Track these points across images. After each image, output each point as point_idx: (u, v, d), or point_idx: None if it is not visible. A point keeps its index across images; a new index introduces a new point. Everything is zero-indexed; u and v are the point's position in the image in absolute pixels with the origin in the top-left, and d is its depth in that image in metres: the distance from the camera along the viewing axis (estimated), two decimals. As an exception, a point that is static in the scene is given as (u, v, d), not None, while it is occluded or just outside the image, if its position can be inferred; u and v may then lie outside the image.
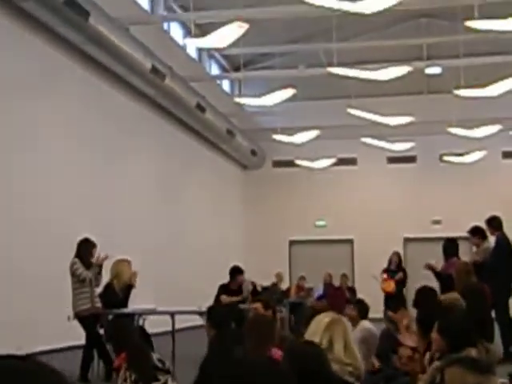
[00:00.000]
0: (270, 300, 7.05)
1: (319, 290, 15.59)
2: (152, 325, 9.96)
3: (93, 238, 9.21)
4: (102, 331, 9.05)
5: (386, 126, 17.89)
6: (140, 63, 14.04)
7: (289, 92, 15.03)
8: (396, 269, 14.46)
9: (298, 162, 20.88)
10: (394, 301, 11.98)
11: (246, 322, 4.89)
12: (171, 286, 16.05)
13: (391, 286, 13.93)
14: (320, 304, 6.99)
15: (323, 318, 4.25)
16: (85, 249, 9.00)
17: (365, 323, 7.71)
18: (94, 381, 8.71)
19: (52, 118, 12.60)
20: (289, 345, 3.13)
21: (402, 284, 14.22)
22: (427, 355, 5.27)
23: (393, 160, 22.23)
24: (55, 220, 12.32)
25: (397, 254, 15.10)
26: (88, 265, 8.93)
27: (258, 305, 6.35)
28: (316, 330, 4.18)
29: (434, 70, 19.34)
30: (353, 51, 18.45)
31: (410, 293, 12.29)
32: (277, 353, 4.20)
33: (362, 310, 7.89)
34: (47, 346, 11.71)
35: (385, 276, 14.20)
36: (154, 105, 16.38)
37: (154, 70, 14.50)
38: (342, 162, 21.77)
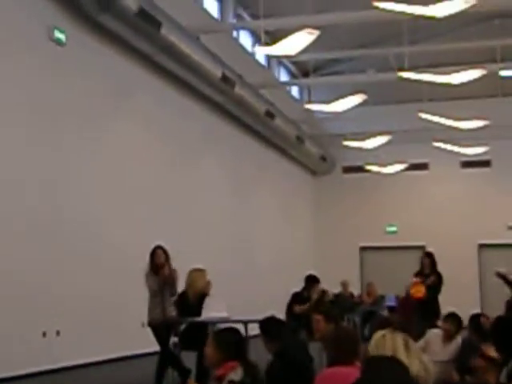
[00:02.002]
0: (333, 312, 6.87)
1: (391, 300, 15.21)
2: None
3: (165, 245, 9.26)
4: (175, 339, 9.12)
5: (459, 129, 17.54)
6: (210, 71, 14.14)
7: (359, 98, 14.88)
8: (429, 273, 12.79)
9: (369, 167, 20.68)
10: (426, 309, 11.52)
11: (327, 336, 4.79)
12: (243, 292, 16.08)
13: (421, 291, 12.30)
14: (392, 319, 6.66)
15: (376, 337, 4.14)
16: (155, 257, 9.05)
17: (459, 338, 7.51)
18: (168, 389, 8.74)
19: (126, 126, 12.80)
20: (372, 363, 3.06)
21: (434, 289, 12.34)
22: (504, 371, 5.09)
23: (466, 164, 21.81)
24: (129, 227, 12.49)
25: (428, 254, 13.25)
26: (157, 273, 8.97)
27: (320, 317, 6.24)
28: (395, 349, 4.07)
29: (509, 72, 18.88)
30: (424, 54, 18.15)
31: (447, 299, 12.00)
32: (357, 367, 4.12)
33: (457, 323, 7.66)
34: (122, 352, 11.90)
35: (415, 279, 12.66)
36: (224, 112, 16.48)
37: (224, 77, 14.59)
38: (413, 167, 21.47)
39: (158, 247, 9.10)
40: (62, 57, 11.01)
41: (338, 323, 6.41)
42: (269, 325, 5.90)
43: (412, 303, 14.75)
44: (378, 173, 20.83)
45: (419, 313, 11.52)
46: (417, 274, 12.68)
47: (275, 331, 5.72)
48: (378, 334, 4.10)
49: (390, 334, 4.08)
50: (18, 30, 10.15)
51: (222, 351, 4.60)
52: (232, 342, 4.64)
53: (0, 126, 9.75)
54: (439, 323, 9.44)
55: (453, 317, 7.77)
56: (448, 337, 7.54)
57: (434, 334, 7.75)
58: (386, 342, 4.03)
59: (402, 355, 3.88)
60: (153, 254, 9.04)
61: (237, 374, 4.46)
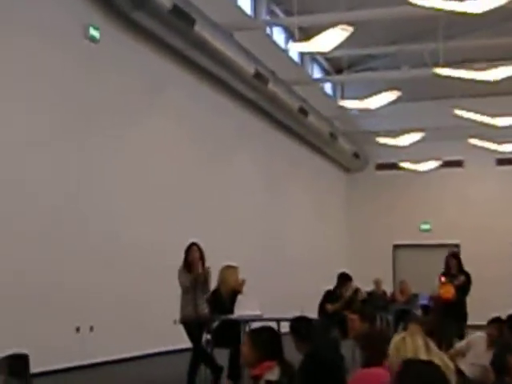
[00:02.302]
0: (368, 311, 6.80)
1: (424, 299, 15.03)
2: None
3: (198, 242, 9.24)
4: (208, 336, 9.12)
5: (495, 126, 17.30)
6: (243, 68, 14.12)
7: (393, 94, 14.75)
8: (457, 273, 12.02)
9: (402, 164, 20.51)
10: (455, 310, 11.04)
11: (360, 336, 4.75)
12: (275, 290, 16.05)
13: (451, 291, 11.62)
14: (427, 321, 6.34)
15: (396, 339, 4.10)
16: (189, 254, 9.04)
17: None
18: (201, 386, 8.75)
19: (159, 122, 12.84)
20: (409, 366, 3.01)
21: (463, 290, 11.73)
22: None
23: (502, 162, 21.52)
24: (162, 224, 12.54)
25: (455, 255, 12.51)
26: (191, 270, 8.96)
27: (355, 316, 6.18)
28: (416, 350, 4.04)
29: (546, 68, 18.53)
30: (460, 50, 17.91)
31: (482, 297, 11.77)
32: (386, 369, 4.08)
33: (501, 327, 7.51)
34: (155, 349, 11.96)
35: (443, 279, 11.93)
36: (257, 109, 16.46)
37: (257, 74, 14.56)
38: (447, 164, 21.26)
39: (193, 244, 9.09)
40: (96, 54, 11.07)
41: (372, 322, 6.36)
42: (299, 325, 5.84)
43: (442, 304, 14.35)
44: (411, 170, 20.66)
45: (448, 314, 10.80)
46: (443, 275, 12.05)
47: (305, 331, 5.67)
48: (397, 337, 4.07)
49: (410, 337, 4.05)
50: (52, 28, 10.22)
51: (258, 350, 4.55)
52: (268, 341, 4.59)
53: (35, 123, 9.84)
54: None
55: (497, 321, 7.61)
56: (492, 342, 7.39)
57: (479, 338, 7.60)
58: (407, 344, 4.00)
59: (423, 355, 3.85)
60: (187, 250, 9.04)
61: (273, 373, 4.41)
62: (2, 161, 9.25)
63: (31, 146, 9.73)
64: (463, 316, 11.21)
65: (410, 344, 4.02)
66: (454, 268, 11.83)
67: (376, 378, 4.04)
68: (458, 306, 11.35)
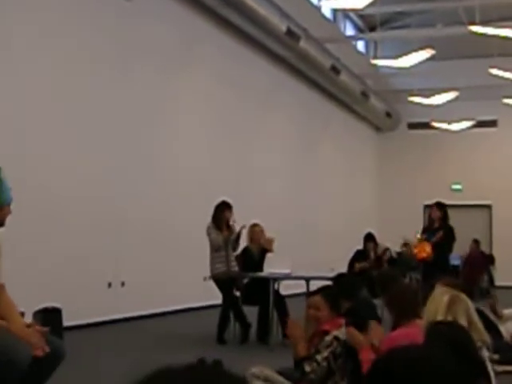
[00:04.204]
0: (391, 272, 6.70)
1: (455, 259, 14.96)
2: (287, 287, 10.05)
3: (229, 200, 9.30)
4: (238, 293, 9.22)
5: (531, 86, 17.01)
6: (275, 26, 13.98)
7: (427, 52, 14.52)
8: (439, 226, 10.28)
9: (435, 124, 20.28)
10: (433, 270, 9.52)
11: (389, 292, 4.74)
12: (306, 250, 16.13)
13: (426, 250, 10.00)
14: (451, 282, 5.93)
15: (442, 297, 4.11)
16: (219, 212, 9.10)
17: None
18: (230, 342, 8.86)
19: (195, 77, 12.84)
20: (437, 329, 3.01)
21: (441, 248, 10.05)
22: None
23: (537, 122, 21.19)
24: (195, 180, 12.61)
25: (440, 205, 10.56)
26: (221, 228, 9.04)
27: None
28: (436, 309, 4.06)
29: None
30: (496, 7, 17.52)
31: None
32: (419, 325, 4.10)
33: None
34: (184, 304, 12.12)
35: (418, 236, 10.39)
36: (289, 67, 16.34)
37: (289, 32, 14.41)
38: (481, 124, 20.96)
39: (224, 202, 9.15)
40: (129, 11, 11.03)
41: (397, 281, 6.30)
42: (344, 281, 5.76)
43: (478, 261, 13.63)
44: (444, 130, 20.43)
45: (427, 275, 9.75)
46: (424, 230, 10.62)
47: (350, 289, 5.59)
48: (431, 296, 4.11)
49: (440, 295, 4.07)
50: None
51: (331, 307, 4.57)
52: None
53: (70, 83, 9.87)
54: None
55: None
56: None
57: None
58: (433, 302, 4.04)
59: (441, 314, 3.89)
60: (218, 208, 9.10)
61: (342, 332, 4.43)
62: (32, 115, 9.32)
63: (70, 105, 9.78)
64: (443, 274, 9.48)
65: (433, 302, 4.06)
66: (437, 221, 10.32)
67: (406, 339, 4.07)
68: (438, 267, 9.78)
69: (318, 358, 4.33)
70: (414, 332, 3.91)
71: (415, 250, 10.38)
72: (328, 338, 4.39)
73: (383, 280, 6.04)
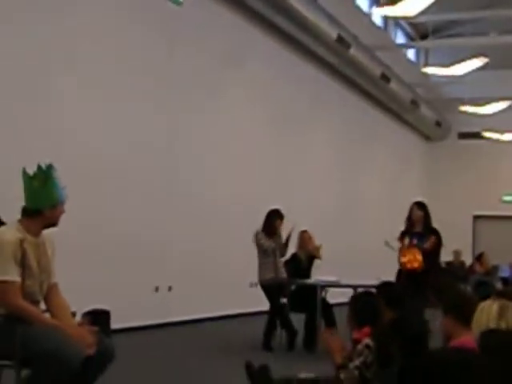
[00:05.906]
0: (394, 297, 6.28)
1: (505, 271, 14.70)
2: (333, 295, 9.98)
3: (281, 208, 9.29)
4: (285, 300, 9.17)
5: None
6: (326, 33, 13.95)
7: (480, 61, 14.32)
8: (423, 231, 8.55)
9: (486, 134, 19.98)
10: (424, 281, 8.11)
11: (446, 299, 4.65)
12: (351, 256, 16.02)
13: (417, 258, 8.21)
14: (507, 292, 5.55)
15: (491, 306, 4.03)
16: (270, 220, 9.10)
17: None
18: (276, 349, 8.82)
19: (242, 87, 12.87)
20: (494, 337, 2.94)
21: (434, 256, 8.43)
22: None
23: None
24: (241, 193, 12.64)
25: (421, 204, 8.95)
26: (271, 235, 9.03)
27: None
28: (487, 319, 3.97)
29: None
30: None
31: None
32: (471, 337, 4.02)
33: None
34: (231, 310, 12.12)
35: (406, 242, 8.50)
36: (338, 74, 16.28)
37: (340, 39, 14.36)
38: (533, 134, 20.57)
39: (276, 211, 9.13)
40: (179, 16, 11.12)
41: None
42: (390, 291, 5.66)
43: None
44: (495, 140, 20.11)
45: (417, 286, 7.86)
46: (403, 234, 8.70)
47: (395, 299, 5.48)
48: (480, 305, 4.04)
49: (489, 304, 4.00)
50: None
51: (356, 315, 4.66)
52: (368, 307, 4.70)
53: (117, 88, 9.98)
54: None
55: None
56: None
57: None
58: (483, 312, 3.97)
59: (493, 322, 3.82)
60: (269, 216, 9.10)
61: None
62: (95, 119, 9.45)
63: (120, 111, 9.90)
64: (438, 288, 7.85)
65: (485, 312, 4.00)
66: (419, 224, 8.63)
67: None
68: (434, 276, 8.32)
69: (351, 366, 4.42)
70: (468, 340, 3.85)
71: (403, 259, 8.38)
72: (360, 347, 4.47)
73: (439, 287, 5.96)
